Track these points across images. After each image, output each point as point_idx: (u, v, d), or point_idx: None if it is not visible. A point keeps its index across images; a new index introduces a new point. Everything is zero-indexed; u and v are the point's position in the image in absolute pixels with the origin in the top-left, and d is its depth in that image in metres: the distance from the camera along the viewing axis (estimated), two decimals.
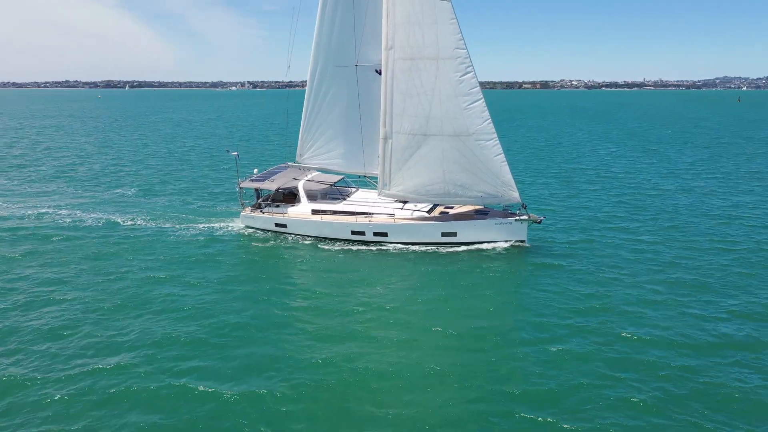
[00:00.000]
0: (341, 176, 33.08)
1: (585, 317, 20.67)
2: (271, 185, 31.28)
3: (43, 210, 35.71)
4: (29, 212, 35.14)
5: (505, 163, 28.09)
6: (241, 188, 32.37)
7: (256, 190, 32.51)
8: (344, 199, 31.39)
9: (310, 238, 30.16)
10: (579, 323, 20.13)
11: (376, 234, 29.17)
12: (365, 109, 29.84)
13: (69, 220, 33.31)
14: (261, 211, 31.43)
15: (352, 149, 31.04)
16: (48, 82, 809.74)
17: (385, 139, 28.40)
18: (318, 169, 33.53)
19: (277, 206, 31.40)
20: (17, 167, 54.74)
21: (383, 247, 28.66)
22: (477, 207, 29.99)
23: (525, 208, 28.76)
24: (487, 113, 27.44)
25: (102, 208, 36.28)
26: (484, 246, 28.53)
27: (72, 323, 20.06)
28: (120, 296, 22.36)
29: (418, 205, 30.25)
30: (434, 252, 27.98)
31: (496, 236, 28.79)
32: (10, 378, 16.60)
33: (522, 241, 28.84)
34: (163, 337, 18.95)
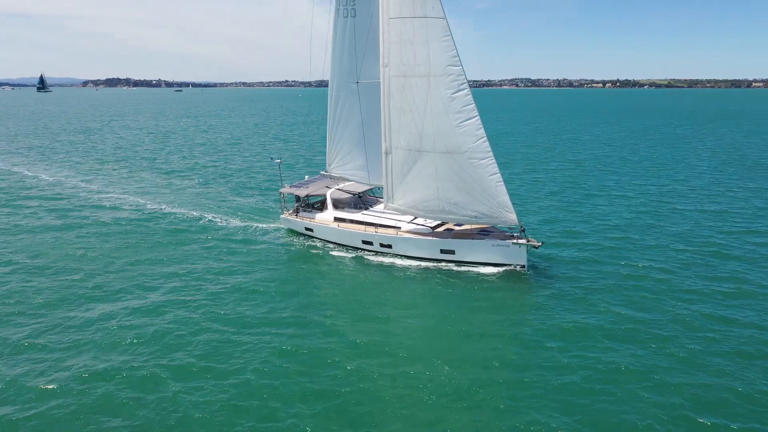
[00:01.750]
0: (370, 186, 34.26)
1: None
2: (301, 192, 33.78)
3: None
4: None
5: (501, 183, 26.96)
6: (281, 193, 35.42)
7: (295, 195, 35.22)
8: (365, 209, 32.55)
9: (332, 244, 32.01)
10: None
11: (382, 245, 29.93)
12: (372, 124, 30.69)
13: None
14: (296, 215, 34.06)
15: (364, 162, 32.15)
16: (271, 82, 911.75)
17: (387, 153, 28.97)
18: (347, 179, 35.08)
19: (309, 212, 33.74)
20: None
21: (389, 259, 29.25)
22: (483, 226, 29.09)
23: (523, 231, 27.31)
24: (482, 131, 26.61)
25: None
26: (482, 268, 27.67)
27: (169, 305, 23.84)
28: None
29: (428, 220, 30.27)
30: (435, 268, 27.81)
31: (493, 258, 27.77)
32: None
33: (522, 267, 27.43)
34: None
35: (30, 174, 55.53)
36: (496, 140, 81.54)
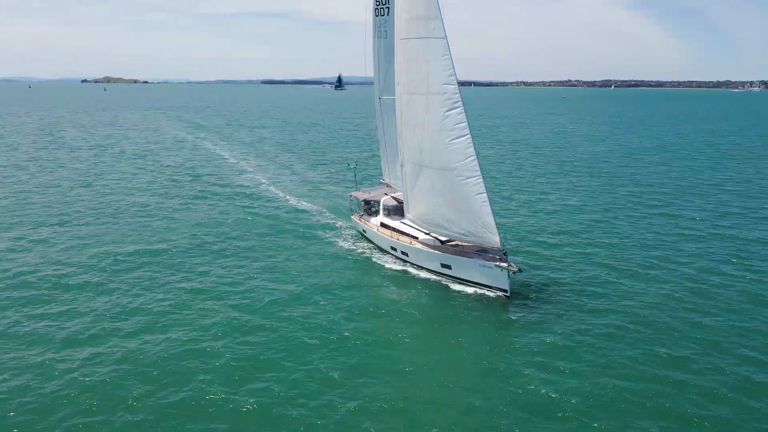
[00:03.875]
0: None
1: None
2: (361, 196, 37.09)
3: None
4: None
5: (487, 203, 26.74)
6: (350, 197, 39.14)
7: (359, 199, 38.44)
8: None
9: (377, 247, 34.87)
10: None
11: (402, 252, 31.84)
12: (393, 137, 32.47)
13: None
14: (360, 218, 37.54)
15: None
16: (552, 81, 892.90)
17: (402, 165, 30.68)
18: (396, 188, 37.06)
19: (369, 216, 36.88)
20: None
21: (407, 267, 30.87)
22: (484, 245, 28.85)
23: (505, 255, 26.57)
24: (471, 149, 26.76)
25: None
26: (471, 288, 27.74)
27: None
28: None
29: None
30: (435, 282, 28.90)
31: (480, 279, 27.65)
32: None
33: (504, 291, 26.78)
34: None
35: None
36: None
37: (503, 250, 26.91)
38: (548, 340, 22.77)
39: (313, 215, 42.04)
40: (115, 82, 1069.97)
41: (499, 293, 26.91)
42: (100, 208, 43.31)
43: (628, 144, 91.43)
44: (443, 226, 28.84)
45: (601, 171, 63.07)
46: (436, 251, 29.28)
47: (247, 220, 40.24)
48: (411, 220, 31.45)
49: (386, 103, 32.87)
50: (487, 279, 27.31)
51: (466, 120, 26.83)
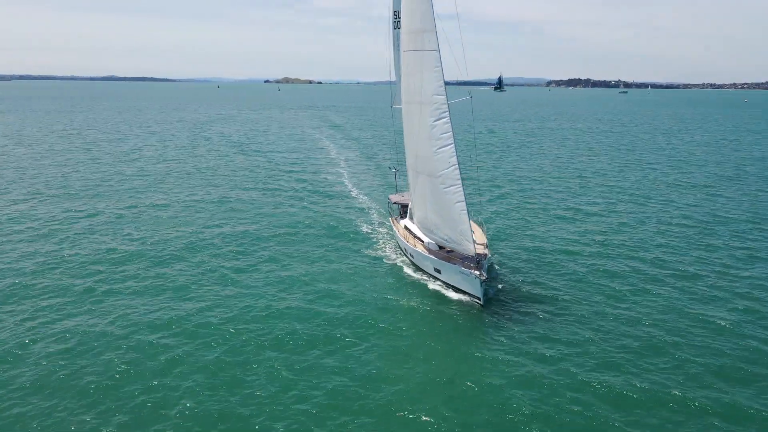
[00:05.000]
0: None
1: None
2: (394, 198, 38.74)
3: None
4: None
5: (465, 212, 27.30)
6: (388, 200, 40.81)
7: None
8: None
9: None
10: None
11: (410, 255, 33.19)
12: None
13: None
14: (394, 221, 39.29)
15: None
16: (745, 84, 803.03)
17: (408, 170, 31.96)
18: None
19: (401, 218, 38.48)
20: None
21: (414, 269, 32.09)
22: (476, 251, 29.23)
23: (478, 263, 26.88)
24: (454, 159, 27.49)
25: None
26: (458, 294, 28.40)
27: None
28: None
29: None
30: (432, 285, 29.66)
31: (460, 284, 28.22)
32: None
33: (477, 299, 27.18)
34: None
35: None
36: None
37: (477, 258, 27.23)
38: (522, 351, 23.04)
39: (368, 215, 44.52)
40: (292, 83, 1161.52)
41: (474, 300, 27.31)
42: (195, 194, 49.92)
43: None
44: (432, 231, 29.80)
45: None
46: (430, 255, 30.27)
47: (309, 217, 43.58)
48: (415, 223, 32.66)
49: (398, 111, 34.27)
50: (464, 285, 27.83)
51: (451, 130, 27.58)
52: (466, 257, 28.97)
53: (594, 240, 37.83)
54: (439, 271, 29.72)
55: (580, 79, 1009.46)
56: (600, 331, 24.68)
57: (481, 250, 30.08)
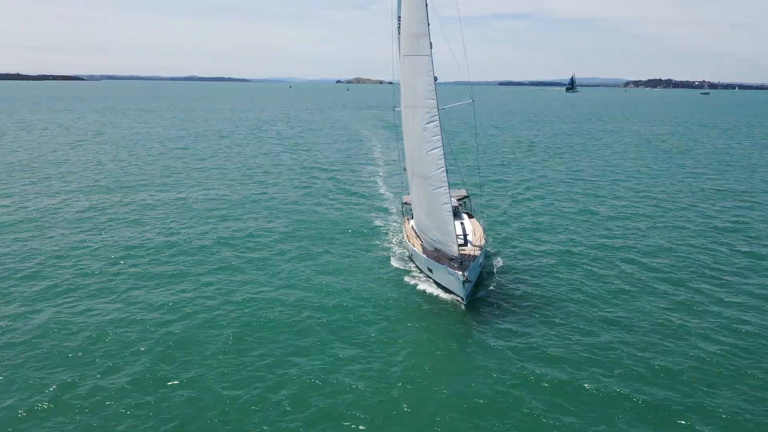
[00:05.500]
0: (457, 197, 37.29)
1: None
2: (405, 199, 39.48)
3: None
4: None
5: (450, 213, 27.84)
6: (402, 201, 41.57)
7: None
8: None
9: None
10: None
11: (410, 254, 33.98)
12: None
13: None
14: (406, 221, 40.11)
15: None
16: None
17: (407, 173, 32.70)
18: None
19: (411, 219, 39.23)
20: None
21: (414, 268, 32.99)
22: (466, 251, 29.71)
23: (461, 263, 27.38)
24: (442, 161, 28.11)
25: None
26: (446, 294, 29.01)
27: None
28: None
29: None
30: (425, 286, 30.31)
31: (448, 284, 28.77)
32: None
33: (460, 300, 27.72)
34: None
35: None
36: None
37: (460, 258, 27.73)
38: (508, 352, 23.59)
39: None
40: (363, 83, 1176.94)
41: (458, 300, 27.87)
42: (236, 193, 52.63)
43: None
44: (424, 232, 30.48)
45: None
46: (423, 255, 30.98)
47: (331, 215, 45.11)
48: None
49: (398, 114, 34.96)
50: (451, 285, 28.38)
51: (440, 133, 28.21)
52: (453, 258, 29.50)
53: (610, 246, 37.22)
54: (431, 271, 30.38)
55: (660, 80, 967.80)
56: (583, 337, 24.66)
57: (475, 251, 30.57)
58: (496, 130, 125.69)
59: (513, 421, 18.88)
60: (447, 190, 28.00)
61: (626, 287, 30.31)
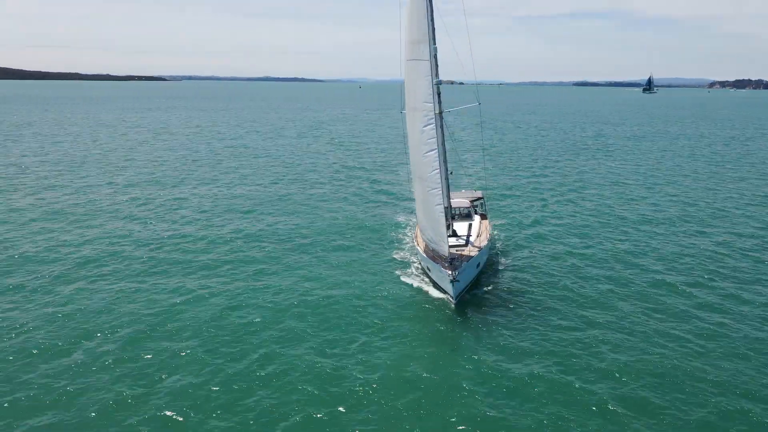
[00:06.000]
0: (468, 198, 37.89)
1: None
2: None
3: None
4: None
5: (443, 214, 28.63)
6: None
7: None
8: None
9: None
10: None
11: (413, 253, 34.97)
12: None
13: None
14: None
15: None
16: None
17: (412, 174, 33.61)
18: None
19: None
20: None
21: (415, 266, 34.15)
22: (461, 251, 30.40)
23: (452, 263, 28.11)
24: (437, 164, 28.93)
25: None
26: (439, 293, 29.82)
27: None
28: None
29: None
30: (424, 285, 31.25)
31: (441, 283, 29.52)
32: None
33: (450, 299, 28.48)
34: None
35: None
36: None
37: (451, 257, 28.45)
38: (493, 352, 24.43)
39: None
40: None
41: (449, 299, 28.65)
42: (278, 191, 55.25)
43: None
44: (423, 232, 31.36)
45: None
46: (423, 254, 31.88)
47: (355, 215, 46.68)
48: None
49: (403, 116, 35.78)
50: (443, 283, 29.15)
51: (436, 136, 29.04)
52: (450, 257, 30.22)
53: (625, 251, 36.70)
54: (430, 270, 31.24)
55: (749, 80, 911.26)
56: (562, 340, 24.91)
57: (473, 252, 31.17)
58: (544, 130, 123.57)
59: (456, 412, 19.62)
60: (441, 192, 28.78)
61: (617, 290, 30.06)
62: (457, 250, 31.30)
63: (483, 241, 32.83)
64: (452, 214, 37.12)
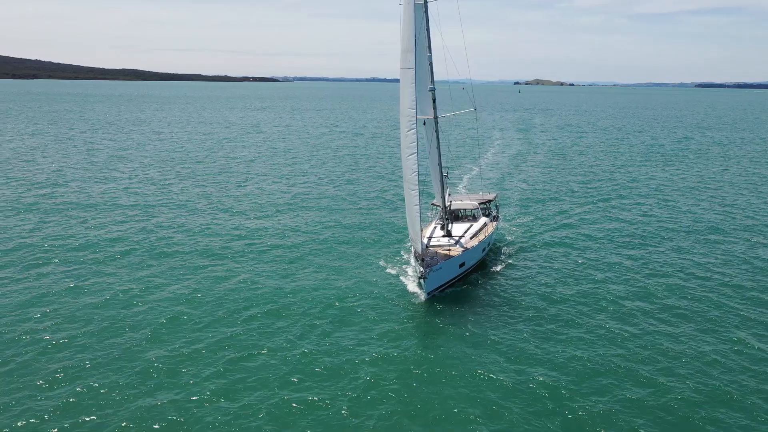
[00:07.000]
0: (475, 201, 39.08)
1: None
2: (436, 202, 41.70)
3: None
4: None
5: (418, 216, 30.24)
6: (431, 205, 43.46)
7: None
8: (455, 222, 37.85)
9: None
10: None
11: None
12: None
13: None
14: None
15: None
16: None
17: None
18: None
19: None
20: None
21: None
22: (447, 251, 31.77)
23: (422, 261, 29.55)
24: (416, 167, 30.55)
25: None
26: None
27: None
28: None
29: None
30: (403, 282, 32.91)
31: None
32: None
33: (421, 294, 30.04)
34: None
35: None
36: None
37: (422, 256, 29.93)
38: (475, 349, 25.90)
39: None
40: (543, 84, 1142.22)
41: (420, 293, 30.30)
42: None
43: None
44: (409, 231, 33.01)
45: None
46: (412, 252, 33.52)
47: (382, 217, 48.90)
48: None
49: (428, 123, 37.03)
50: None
51: (417, 140, 30.69)
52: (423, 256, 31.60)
53: (629, 257, 36.08)
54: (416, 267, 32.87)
55: None
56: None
57: (457, 252, 32.32)
58: (633, 135, 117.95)
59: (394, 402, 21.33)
60: (417, 193, 30.34)
61: (609, 304, 29.99)
62: (443, 250, 32.66)
63: (473, 242, 33.83)
64: (452, 215, 38.11)
